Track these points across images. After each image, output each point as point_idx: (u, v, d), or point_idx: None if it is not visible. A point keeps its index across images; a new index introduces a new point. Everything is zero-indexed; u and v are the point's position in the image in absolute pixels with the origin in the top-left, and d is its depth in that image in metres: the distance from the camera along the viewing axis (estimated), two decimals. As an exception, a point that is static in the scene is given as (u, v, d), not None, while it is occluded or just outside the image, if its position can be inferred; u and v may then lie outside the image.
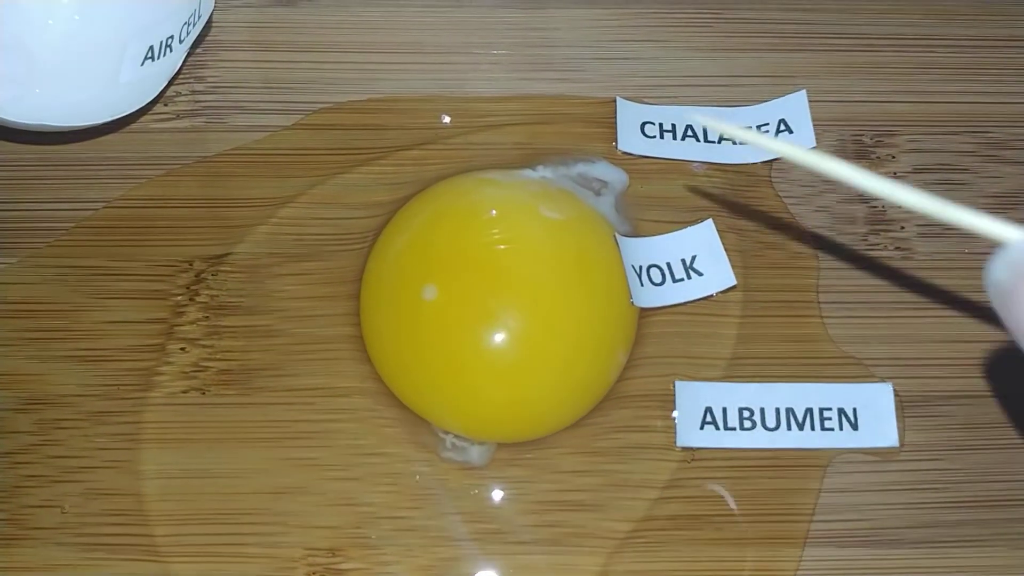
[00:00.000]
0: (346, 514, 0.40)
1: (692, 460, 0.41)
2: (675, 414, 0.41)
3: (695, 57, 0.46)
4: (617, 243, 0.42)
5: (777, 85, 0.45)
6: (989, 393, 0.42)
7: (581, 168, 0.44)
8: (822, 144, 0.45)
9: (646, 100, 0.46)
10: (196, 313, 0.42)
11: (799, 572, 0.40)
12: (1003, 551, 0.41)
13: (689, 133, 0.45)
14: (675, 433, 0.41)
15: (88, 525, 0.40)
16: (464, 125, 0.45)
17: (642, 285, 0.42)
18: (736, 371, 0.42)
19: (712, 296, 0.42)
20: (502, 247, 0.40)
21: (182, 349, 0.42)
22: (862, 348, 0.42)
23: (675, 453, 0.41)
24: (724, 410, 0.41)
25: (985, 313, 0.43)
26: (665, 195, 0.44)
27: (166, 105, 0.45)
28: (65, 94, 0.43)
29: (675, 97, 0.46)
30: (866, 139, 0.45)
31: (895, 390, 0.42)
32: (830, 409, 0.41)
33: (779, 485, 0.41)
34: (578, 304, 0.41)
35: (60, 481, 0.41)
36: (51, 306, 0.43)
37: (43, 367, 0.42)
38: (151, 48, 0.43)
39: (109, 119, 0.42)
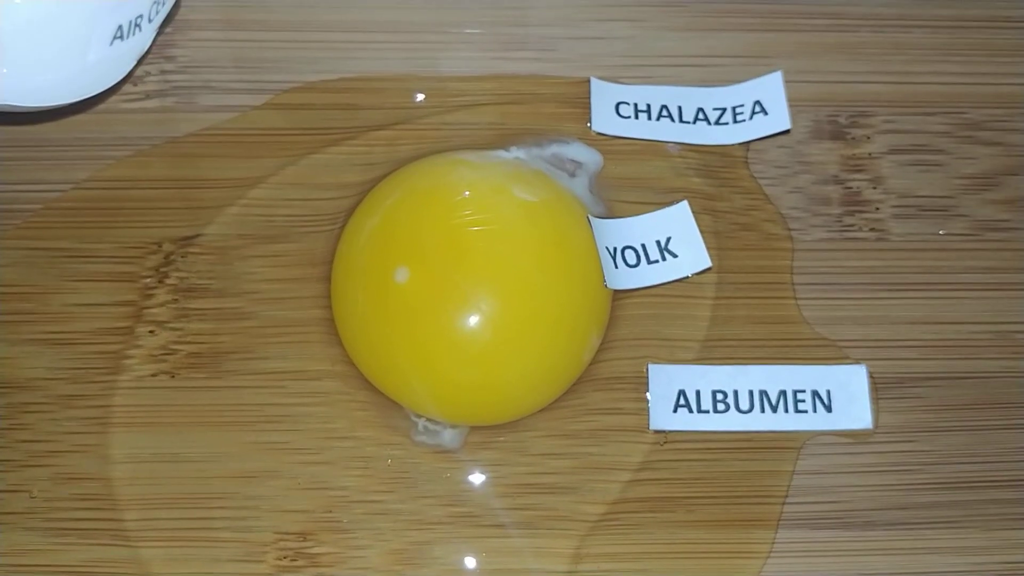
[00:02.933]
0: (317, 498, 0.40)
1: (665, 442, 0.41)
2: (648, 397, 0.41)
3: (670, 37, 0.46)
4: (591, 225, 0.42)
5: (752, 65, 0.45)
6: (963, 374, 0.42)
7: (555, 149, 0.44)
8: (797, 125, 0.44)
9: (621, 80, 0.45)
10: (165, 295, 0.42)
11: (772, 554, 0.40)
12: (976, 532, 0.41)
13: (664, 113, 0.44)
14: (648, 416, 0.41)
15: (57, 510, 0.40)
16: (437, 105, 0.45)
17: (616, 267, 0.41)
18: (710, 353, 0.42)
19: (687, 278, 0.42)
20: (475, 229, 0.40)
21: (151, 332, 0.42)
22: (836, 330, 0.42)
23: (648, 435, 0.41)
24: (698, 393, 0.41)
25: (959, 294, 0.43)
26: (640, 176, 0.44)
27: (135, 85, 0.45)
28: (32, 74, 0.42)
29: (650, 77, 0.45)
30: (842, 119, 0.45)
31: (869, 372, 0.42)
32: (804, 391, 0.41)
33: (752, 467, 0.41)
34: (551, 286, 0.41)
35: (28, 465, 0.40)
36: (19, 288, 0.42)
37: (11, 350, 0.41)
38: (120, 27, 0.42)
39: (77, 99, 0.42)
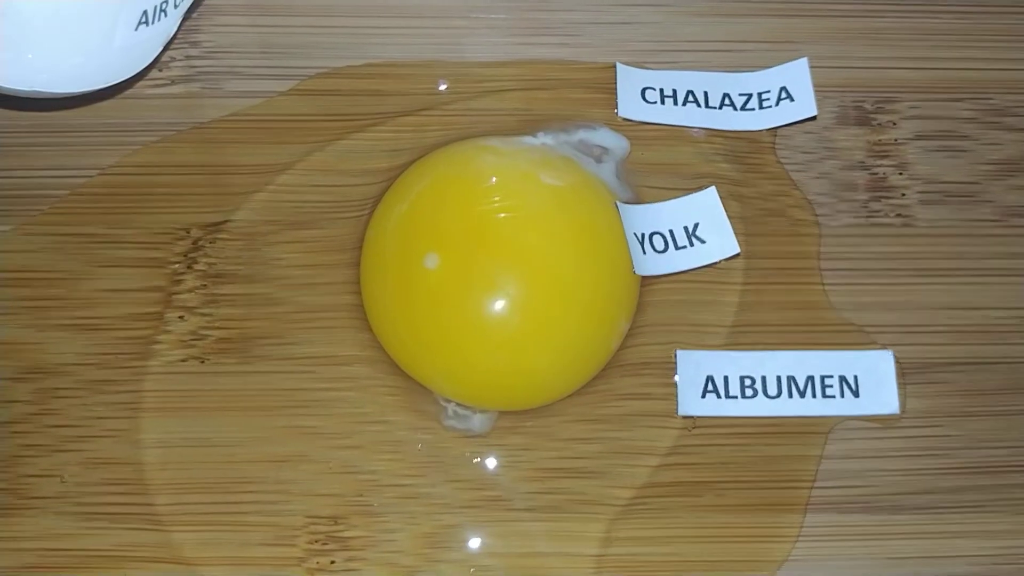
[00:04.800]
0: (348, 482, 0.40)
1: (694, 427, 0.41)
2: (677, 381, 0.41)
3: (696, 22, 0.46)
4: (619, 211, 0.42)
5: (778, 50, 0.45)
6: (989, 360, 0.42)
7: (582, 135, 0.44)
8: (823, 110, 0.44)
9: (647, 65, 0.45)
10: (194, 281, 0.42)
11: (800, 538, 0.40)
12: (1003, 516, 0.41)
13: (690, 99, 0.44)
14: (676, 402, 0.41)
15: (88, 494, 0.40)
16: (463, 91, 0.45)
17: (644, 253, 0.41)
18: (738, 339, 0.42)
19: (715, 264, 0.42)
20: (503, 215, 0.40)
21: (180, 317, 0.42)
22: (863, 315, 0.42)
23: (677, 420, 0.41)
24: (726, 379, 0.41)
25: (985, 279, 0.43)
26: (667, 162, 0.44)
27: (161, 71, 0.45)
28: (58, 59, 0.42)
29: (676, 62, 0.45)
30: (867, 105, 0.45)
31: (896, 357, 0.42)
32: (831, 376, 0.41)
33: (780, 452, 0.41)
34: (580, 272, 0.41)
35: (59, 450, 0.40)
36: (47, 274, 0.42)
37: (41, 336, 0.42)
38: (145, 13, 0.42)
39: (103, 85, 0.42)
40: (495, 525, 0.40)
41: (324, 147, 0.44)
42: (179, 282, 0.42)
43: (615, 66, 0.45)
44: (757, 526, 0.40)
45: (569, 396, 0.41)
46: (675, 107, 0.44)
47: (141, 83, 0.44)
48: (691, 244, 0.41)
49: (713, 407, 0.41)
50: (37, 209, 0.43)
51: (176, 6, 0.42)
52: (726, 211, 0.41)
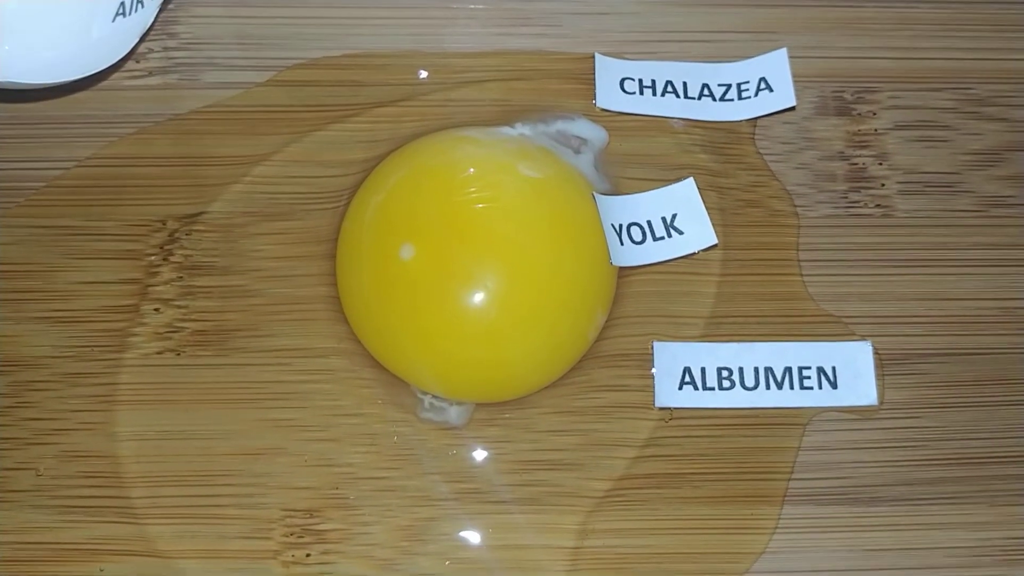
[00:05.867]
0: (324, 475, 0.40)
1: (671, 419, 0.41)
2: (654, 373, 0.41)
3: (675, 12, 0.46)
4: (596, 201, 0.42)
5: (758, 40, 0.45)
6: (968, 351, 0.42)
7: (560, 125, 0.44)
8: (802, 100, 0.44)
9: (625, 56, 0.45)
10: (170, 273, 0.42)
11: (778, 530, 0.40)
12: (981, 508, 0.41)
13: (669, 89, 0.44)
14: (653, 393, 0.41)
15: (63, 487, 0.40)
16: (441, 81, 0.45)
17: (622, 244, 0.41)
18: (715, 330, 0.42)
19: (693, 255, 0.42)
20: (480, 206, 0.40)
21: (156, 310, 0.42)
22: (841, 306, 0.42)
23: (654, 412, 0.41)
24: (703, 370, 0.41)
25: (964, 270, 0.43)
26: (645, 152, 0.44)
27: (138, 62, 0.44)
28: (34, 50, 0.42)
29: (655, 53, 0.45)
30: (847, 95, 0.45)
31: (874, 348, 0.42)
32: (809, 368, 0.41)
33: (758, 444, 0.41)
34: (557, 263, 0.40)
35: (34, 443, 0.40)
36: (23, 267, 0.42)
37: (16, 328, 0.41)
38: (123, 3, 0.42)
39: (80, 76, 0.41)
40: (471, 518, 0.40)
41: (301, 138, 0.44)
42: (155, 274, 0.42)
43: (594, 56, 0.45)
44: (734, 518, 0.40)
45: (546, 388, 0.41)
46: (654, 98, 0.44)
47: (118, 74, 0.44)
48: (669, 235, 0.41)
49: (690, 399, 0.41)
50: (13, 201, 0.43)
51: (153, -3, 0.42)
52: (704, 202, 0.41)
